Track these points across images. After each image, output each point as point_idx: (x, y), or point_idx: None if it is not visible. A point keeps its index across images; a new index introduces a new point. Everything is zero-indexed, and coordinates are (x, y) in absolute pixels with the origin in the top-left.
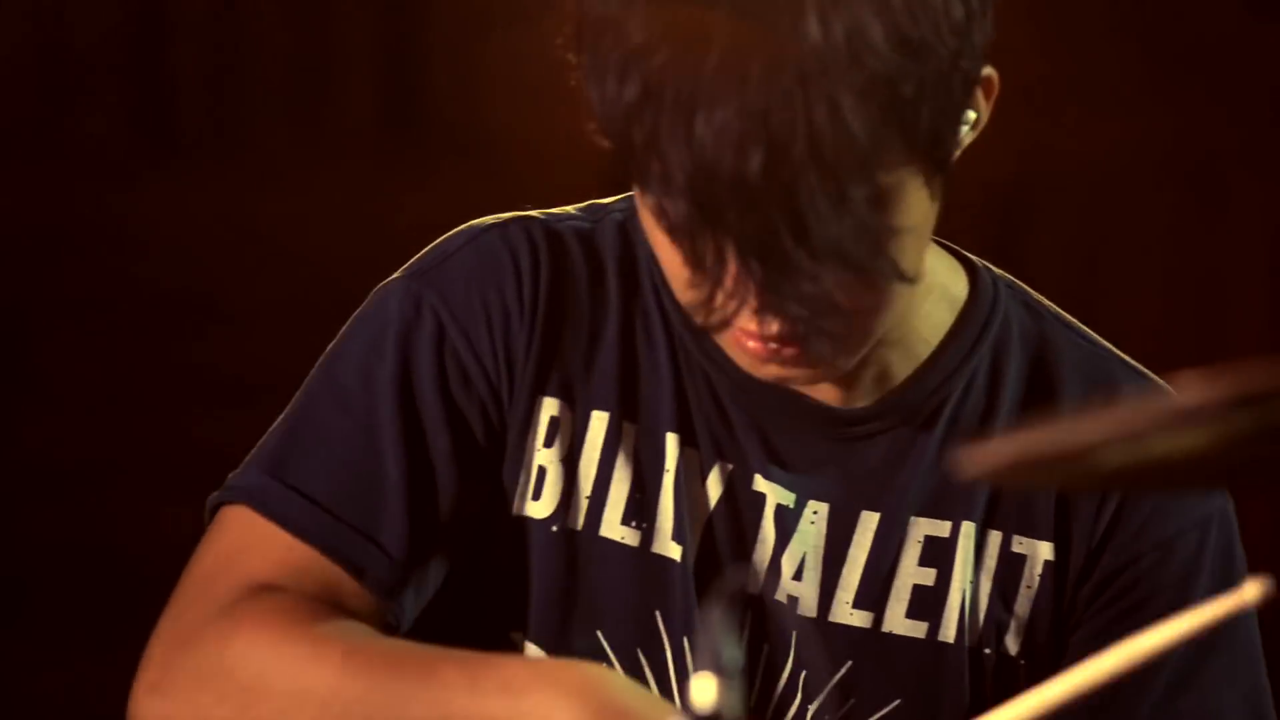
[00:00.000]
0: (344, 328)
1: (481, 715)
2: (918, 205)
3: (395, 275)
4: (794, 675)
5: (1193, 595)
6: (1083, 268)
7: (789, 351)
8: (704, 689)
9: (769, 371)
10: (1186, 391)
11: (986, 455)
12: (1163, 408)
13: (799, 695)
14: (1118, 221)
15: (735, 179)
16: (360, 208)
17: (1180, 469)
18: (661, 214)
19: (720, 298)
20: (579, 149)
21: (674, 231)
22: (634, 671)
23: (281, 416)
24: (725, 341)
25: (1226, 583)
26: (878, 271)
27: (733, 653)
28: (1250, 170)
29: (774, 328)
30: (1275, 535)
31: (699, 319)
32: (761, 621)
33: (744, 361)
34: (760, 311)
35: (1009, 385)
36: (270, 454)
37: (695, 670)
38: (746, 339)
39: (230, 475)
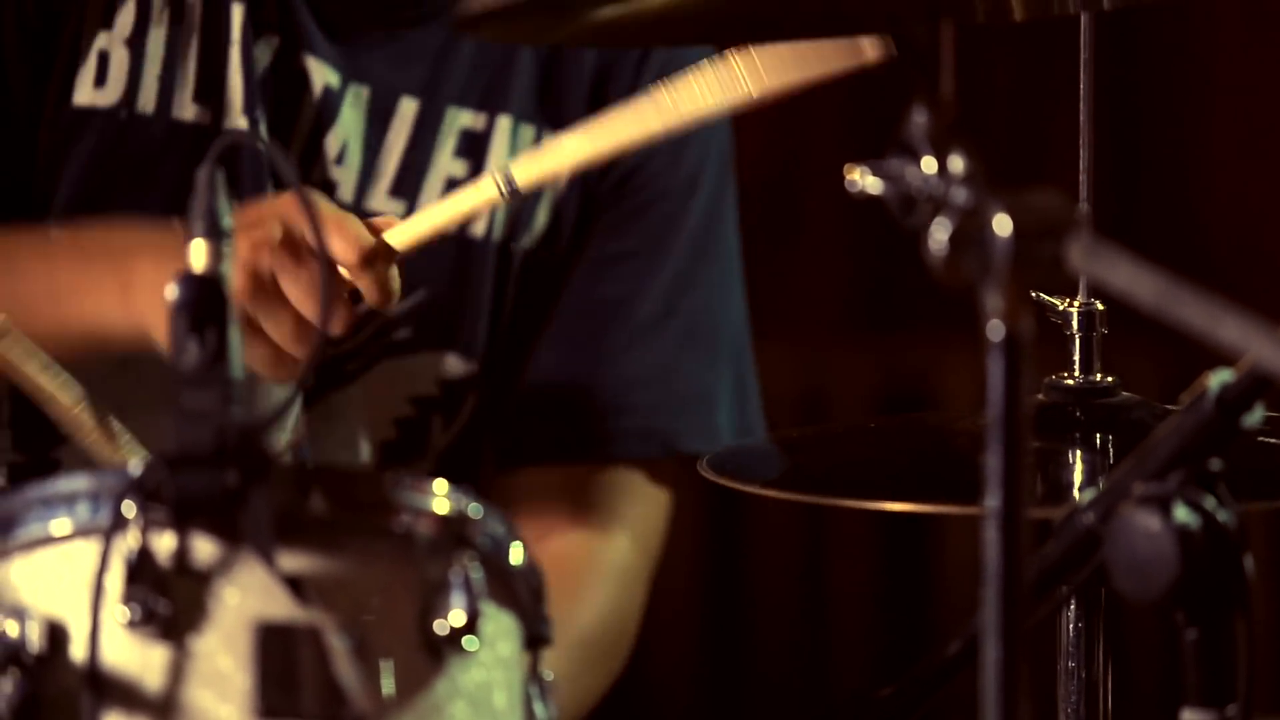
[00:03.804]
0: None
1: (88, 283)
2: None
3: None
4: None
5: (695, 199)
6: None
7: None
8: (198, 253)
9: None
10: None
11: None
12: None
13: None
14: None
15: None
16: None
17: (671, 21)
18: None
19: None
20: None
21: None
22: None
23: None
24: None
25: (722, 187)
26: None
27: (227, 216)
28: None
29: None
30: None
31: None
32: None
33: None
34: None
35: None
36: None
37: (191, 235)
38: None
39: None
